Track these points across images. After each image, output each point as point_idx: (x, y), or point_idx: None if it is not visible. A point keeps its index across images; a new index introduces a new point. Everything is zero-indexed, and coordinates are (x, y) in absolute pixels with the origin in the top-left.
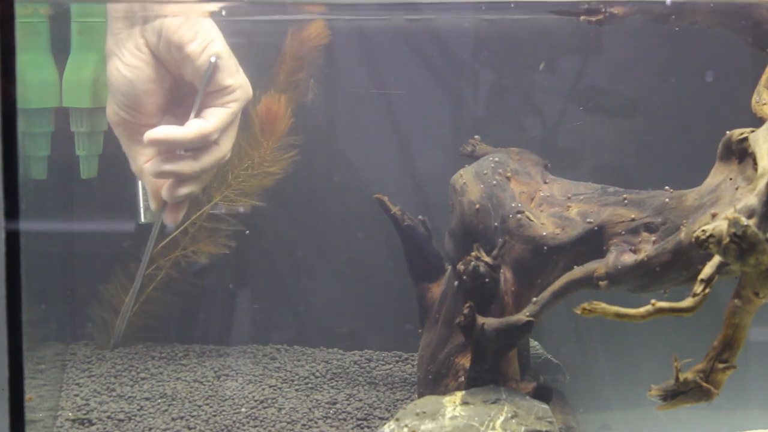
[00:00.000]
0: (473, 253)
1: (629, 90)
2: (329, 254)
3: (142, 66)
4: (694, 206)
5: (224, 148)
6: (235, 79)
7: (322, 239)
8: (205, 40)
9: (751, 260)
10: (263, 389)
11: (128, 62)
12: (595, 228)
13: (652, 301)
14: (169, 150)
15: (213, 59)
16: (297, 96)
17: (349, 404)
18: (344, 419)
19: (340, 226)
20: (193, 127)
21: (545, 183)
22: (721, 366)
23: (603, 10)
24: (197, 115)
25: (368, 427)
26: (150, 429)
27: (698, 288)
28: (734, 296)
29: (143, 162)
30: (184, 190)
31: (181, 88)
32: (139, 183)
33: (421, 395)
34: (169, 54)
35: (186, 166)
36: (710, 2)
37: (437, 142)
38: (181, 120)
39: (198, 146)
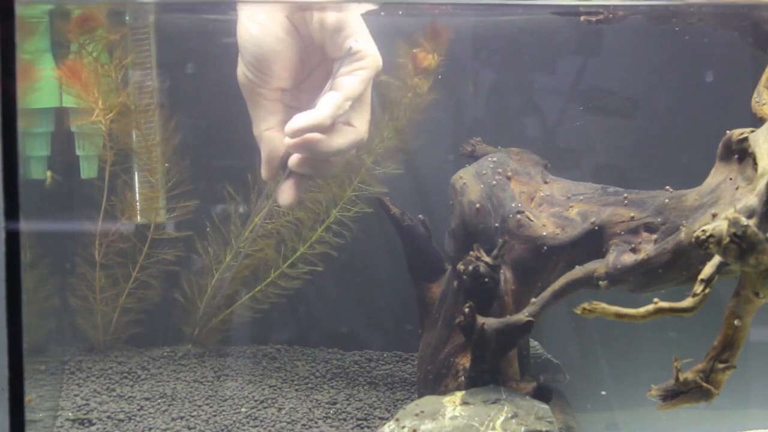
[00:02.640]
0: (473, 253)
1: (629, 90)
2: (329, 254)
3: (272, 25)
4: (694, 206)
5: (360, 129)
6: (366, 45)
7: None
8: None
9: (751, 260)
10: (263, 389)
11: (258, 20)
12: (596, 228)
13: (655, 299)
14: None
15: (353, 43)
16: None
17: (349, 404)
18: (344, 419)
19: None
20: (326, 104)
21: (545, 183)
22: (721, 366)
23: (603, 10)
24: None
25: (368, 427)
26: (150, 429)
27: (698, 288)
28: (734, 296)
29: (264, 129)
30: (310, 166)
31: (311, 57)
32: (137, 184)
33: (421, 395)
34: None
35: (317, 143)
36: (710, 3)
37: (437, 142)
38: (310, 93)
39: (335, 120)
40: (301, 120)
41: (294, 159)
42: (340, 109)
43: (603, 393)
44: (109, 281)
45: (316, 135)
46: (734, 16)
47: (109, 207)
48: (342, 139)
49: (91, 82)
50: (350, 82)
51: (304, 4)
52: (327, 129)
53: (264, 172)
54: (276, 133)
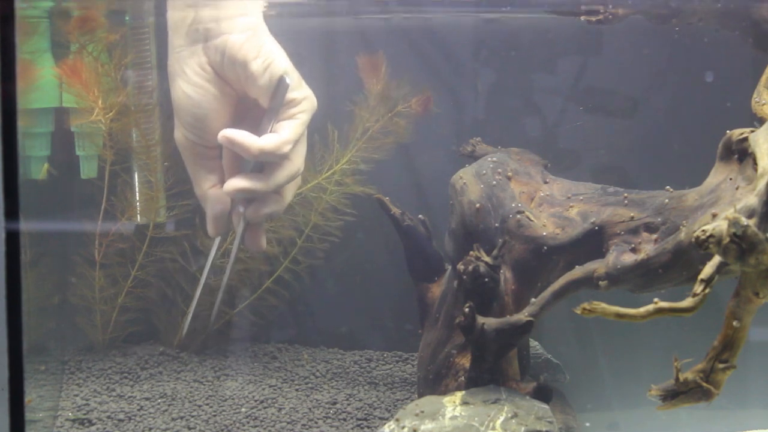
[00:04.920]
0: (473, 253)
1: (629, 90)
2: (329, 254)
3: (207, 86)
4: (694, 206)
5: (296, 162)
6: (300, 92)
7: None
8: (268, 57)
9: (751, 260)
10: (263, 389)
11: (193, 82)
12: (596, 228)
13: (655, 299)
14: (238, 167)
15: (287, 80)
16: None
17: (349, 404)
18: (344, 419)
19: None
20: (268, 139)
21: (545, 183)
22: (721, 366)
23: (603, 10)
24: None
25: (368, 427)
26: (150, 429)
27: (698, 288)
28: (734, 296)
29: (208, 187)
30: (266, 210)
31: (244, 104)
32: (137, 183)
33: (421, 395)
34: (233, 72)
35: (259, 184)
36: (710, 2)
37: (437, 142)
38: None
39: (271, 159)
40: (238, 132)
41: (250, 211)
42: (280, 151)
43: (587, 424)
44: (108, 280)
45: (255, 174)
46: (735, 16)
47: (109, 207)
48: (282, 171)
49: (91, 81)
50: (292, 126)
51: (237, 60)
52: (261, 158)
53: (212, 230)
54: (220, 190)
